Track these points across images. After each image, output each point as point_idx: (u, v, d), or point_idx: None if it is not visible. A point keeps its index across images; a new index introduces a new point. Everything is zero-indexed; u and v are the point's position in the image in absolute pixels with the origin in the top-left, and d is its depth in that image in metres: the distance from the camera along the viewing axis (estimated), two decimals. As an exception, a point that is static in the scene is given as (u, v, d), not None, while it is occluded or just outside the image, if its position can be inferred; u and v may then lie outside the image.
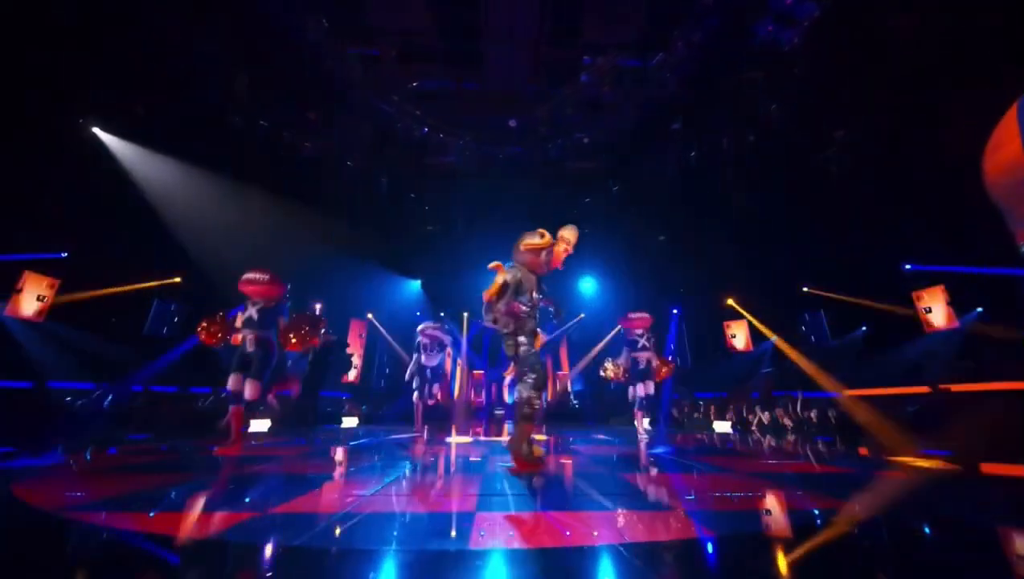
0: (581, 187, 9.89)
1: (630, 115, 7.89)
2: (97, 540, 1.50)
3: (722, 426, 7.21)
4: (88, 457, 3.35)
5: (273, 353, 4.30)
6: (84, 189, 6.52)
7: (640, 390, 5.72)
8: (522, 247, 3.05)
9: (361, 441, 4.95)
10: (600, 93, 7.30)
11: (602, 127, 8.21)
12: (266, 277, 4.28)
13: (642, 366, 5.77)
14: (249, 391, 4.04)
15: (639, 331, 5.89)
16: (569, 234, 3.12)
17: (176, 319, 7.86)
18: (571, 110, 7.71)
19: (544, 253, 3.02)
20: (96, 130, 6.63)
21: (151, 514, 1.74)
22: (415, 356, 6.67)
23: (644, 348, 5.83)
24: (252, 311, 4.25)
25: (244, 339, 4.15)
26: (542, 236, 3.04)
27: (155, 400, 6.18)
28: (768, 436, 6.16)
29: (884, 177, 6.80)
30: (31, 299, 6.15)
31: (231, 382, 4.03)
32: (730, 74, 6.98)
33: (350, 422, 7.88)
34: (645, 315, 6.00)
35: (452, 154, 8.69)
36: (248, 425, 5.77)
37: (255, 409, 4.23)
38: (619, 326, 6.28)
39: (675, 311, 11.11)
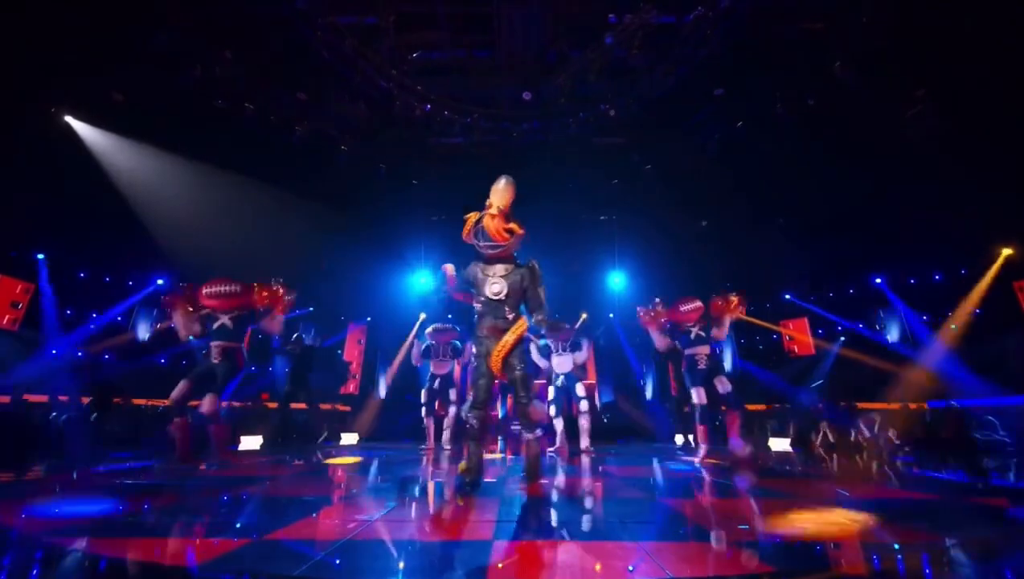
0: (608, 166, 9.77)
1: (664, 81, 7.73)
2: (75, 568, 1.57)
3: (779, 443, 7.04)
4: (74, 477, 3.52)
5: (242, 366, 4.35)
6: (59, 185, 6.82)
7: (702, 395, 5.04)
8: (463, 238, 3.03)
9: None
10: (628, 57, 7.16)
11: (631, 96, 8.07)
12: (235, 288, 4.28)
13: (702, 365, 5.15)
14: (207, 405, 4.04)
15: (692, 321, 5.29)
16: (492, 197, 2.90)
17: (159, 325, 8.15)
18: (594, 78, 7.59)
19: (473, 235, 2.94)
20: (69, 119, 6.92)
21: (135, 539, 1.80)
22: (427, 363, 6.63)
23: (699, 338, 5.19)
24: (224, 319, 4.29)
25: (210, 350, 4.19)
26: (465, 221, 2.98)
27: (139, 414, 6.42)
28: (835, 456, 5.97)
29: (978, 145, 6.47)
30: (4, 306, 6.48)
31: (178, 389, 4.02)
32: (784, 25, 6.74)
33: (349, 439, 8.03)
34: (698, 304, 5.32)
35: (459, 133, 8.70)
36: (239, 442, 5.99)
37: (207, 423, 4.20)
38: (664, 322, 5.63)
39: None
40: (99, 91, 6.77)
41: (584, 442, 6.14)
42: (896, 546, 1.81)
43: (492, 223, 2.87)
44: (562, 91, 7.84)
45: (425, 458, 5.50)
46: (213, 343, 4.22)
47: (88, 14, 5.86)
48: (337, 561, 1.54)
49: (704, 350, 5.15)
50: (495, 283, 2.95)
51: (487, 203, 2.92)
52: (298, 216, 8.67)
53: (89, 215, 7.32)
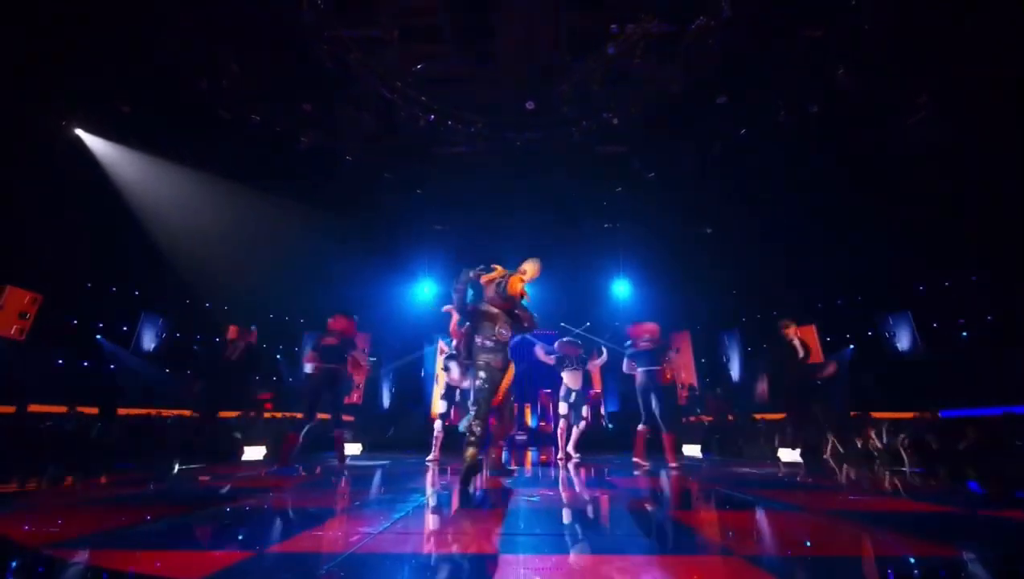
0: (611, 174, 9.79)
1: (666, 90, 7.78)
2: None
3: (788, 454, 6.93)
4: (76, 488, 3.52)
5: (343, 383, 5.61)
6: (69, 196, 6.91)
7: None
8: (481, 281, 3.58)
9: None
10: (630, 66, 7.22)
11: (634, 105, 8.12)
12: (344, 319, 5.54)
13: (639, 383, 5.82)
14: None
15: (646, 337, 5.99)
16: (528, 265, 3.63)
17: (164, 334, 8.18)
18: (597, 87, 7.66)
19: (495, 286, 3.51)
20: (79, 132, 7.03)
21: (137, 552, 1.79)
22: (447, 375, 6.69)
23: (642, 359, 5.91)
24: (334, 343, 5.40)
25: (322, 371, 5.22)
26: (494, 269, 3.58)
27: (145, 424, 6.42)
28: (845, 466, 5.88)
29: (985, 150, 6.44)
30: (12, 316, 6.52)
31: (311, 409, 5.16)
32: (786, 33, 6.78)
33: (352, 449, 7.99)
34: (645, 326, 6.07)
35: (462, 142, 8.77)
36: (243, 452, 6.00)
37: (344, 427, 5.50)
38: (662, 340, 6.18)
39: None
40: (107, 103, 6.89)
41: (571, 446, 6.30)
42: (911, 560, 1.77)
43: (519, 286, 3.53)
44: (564, 100, 7.90)
45: (429, 470, 5.46)
46: (326, 365, 5.25)
47: (93, 22, 5.96)
48: (341, 574, 1.52)
49: (642, 369, 5.77)
50: (502, 328, 3.50)
51: (521, 268, 3.61)
52: (303, 225, 8.74)
53: (97, 225, 7.41)
